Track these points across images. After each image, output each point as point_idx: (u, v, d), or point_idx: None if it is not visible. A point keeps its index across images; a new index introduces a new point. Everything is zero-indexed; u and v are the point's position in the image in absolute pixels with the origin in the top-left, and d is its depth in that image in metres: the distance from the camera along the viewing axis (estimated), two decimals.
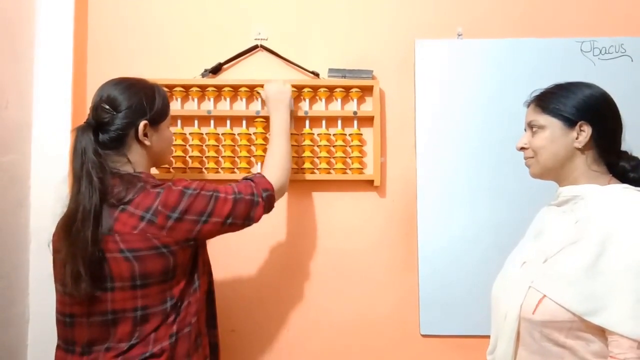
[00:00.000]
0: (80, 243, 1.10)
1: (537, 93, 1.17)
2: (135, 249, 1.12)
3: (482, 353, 1.26)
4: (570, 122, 1.09)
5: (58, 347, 1.20)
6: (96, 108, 1.20)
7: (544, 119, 1.12)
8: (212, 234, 1.23)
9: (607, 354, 0.98)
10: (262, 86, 1.65)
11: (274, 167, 1.39)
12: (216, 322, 1.33)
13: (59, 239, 1.17)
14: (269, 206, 1.31)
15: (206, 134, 1.67)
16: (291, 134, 1.64)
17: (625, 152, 1.14)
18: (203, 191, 1.20)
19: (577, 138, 1.09)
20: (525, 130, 1.18)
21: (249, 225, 1.28)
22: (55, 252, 1.19)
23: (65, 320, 1.18)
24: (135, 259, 1.12)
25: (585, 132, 1.09)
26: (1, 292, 1.46)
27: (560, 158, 1.11)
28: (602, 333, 0.98)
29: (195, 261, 1.23)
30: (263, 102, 1.67)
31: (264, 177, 1.33)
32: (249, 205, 1.25)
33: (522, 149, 1.17)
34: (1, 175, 1.47)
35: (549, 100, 1.12)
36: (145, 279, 1.14)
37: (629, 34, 1.68)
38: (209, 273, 1.32)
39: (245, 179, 1.32)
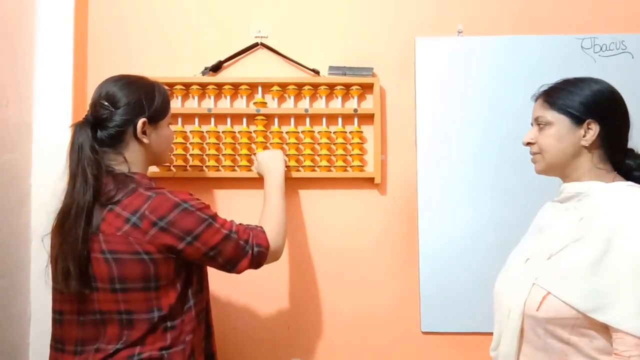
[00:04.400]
0: (71, 240, 1.10)
1: (544, 88, 1.16)
2: (116, 251, 1.10)
3: (483, 350, 1.27)
4: (578, 120, 1.09)
5: (50, 346, 1.20)
6: (95, 104, 1.19)
7: (552, 115, 1.11)
8: (192, 259, 1.17)
9: (611, 351, 0.98)
10: (262, 84, 1.65)
11: (272, 229, 1.31)
12: (212, 332, 1.30)
13: (54, 235, 1.17)
14: (257, 262, 1.24)
15: (207, 132, 1.67)
16: (289, 131, 1.65)
17: (632, 150, 1.13)
18: (199, 212, 1.16)
19: (584, 136, 1.09)
20: (531, 125, 1.17)
21: (229, 271, 1.22)
22: (51, 247, 1.19)
23: (56, 318, 1.18)
24: (115, 261, 1.10)
25: (592, 131, 1.08)
26: (2, 290, 1.46)
27: (567, 156, 1.11)
28: (606, 330, 0.99)
29: (189, 278, 1.20)
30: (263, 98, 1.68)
31: (264, 232, 1.27)
32: (238, 250, 1.20)
33: (528, 144, 1.16)
34: (2, 174, 1.47)
35: (556, 96, 1.12)
36: (124, 283, 1.11)
37: (630, 30, 1.68)
38: (207, 289, 1.28)
39: (248, 225, 1.27)
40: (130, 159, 1.20)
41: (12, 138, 1.52)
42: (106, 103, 1.18)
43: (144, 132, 1.21)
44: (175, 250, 1.13)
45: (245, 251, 1.21)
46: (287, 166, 1.60)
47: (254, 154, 1.66)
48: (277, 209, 1.40)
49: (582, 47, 1.66)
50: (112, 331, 1.13)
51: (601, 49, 1.65)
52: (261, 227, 1.28)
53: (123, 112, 1.18)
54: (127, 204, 1.12)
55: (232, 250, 1.19)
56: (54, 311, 1.19)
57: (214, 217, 1.19)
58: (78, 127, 1.17)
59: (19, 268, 1.53)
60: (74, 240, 1.10)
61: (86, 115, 1.20)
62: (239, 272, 1.23)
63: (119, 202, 1.12)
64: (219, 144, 1.67)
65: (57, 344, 1.18)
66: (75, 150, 1.14)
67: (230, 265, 1.21)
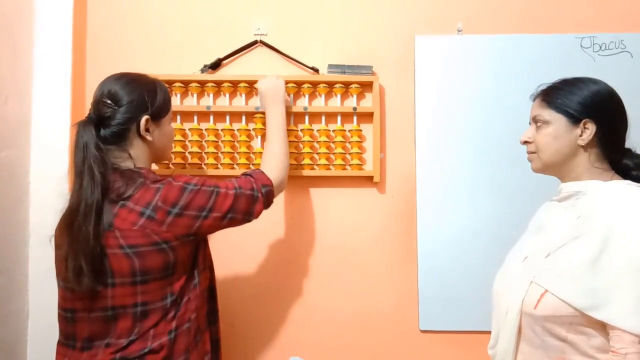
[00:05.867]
0: (82, 238, 1.10)
1: (543, 87, 1.17)
2: (135, 245, 1.12)
3: (481, 348, 1.27)
4: (575, 119, 1.09)
5: (59, 342, 1.20)
6: (97, 103, 1.20)
7: (549, 114, 1.11)
8: (212, 229, 1.22)
9: (608, 349, 0.98)
10: None
11: (272, 163, 1.38)
12: (217, 318, 1.33)
13: (60, 234, 1.17)
14: (268, 202, 1.30)
15: (205, 129, 1.67)
16: (288, 129, 1.65)
17: (629, 150, 1.13)
18: (204, 187, 1.20)
19: (580, 135, 1.09)
20: (529, 124, 1.18)
21: (248, 220, 1.27)
22: (57, 247, 1.19)
23: (67, 316, 1.18)
24: (136, 255, 1.12)
25: (589, 130, 1.08)
26: (1, 287, 1.46)
27: (563, 155, 1.11)
28: (603, 328, 0.99)
29: (196, 257, 1.23)
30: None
31: (263, 173, 1.32)
32: (249, 201, 1.25)
33: (525, 142, 1.16)
34: (0, 171, 1.46)
35: (554, 95, 1.12)
36: (145, 274, 1.14)
37: (629, 30, 1.68)
38: (211, 269, 1.32)
39: (245, 174, 1.32)
40: (135, 155, 1.22)
41: (11, 135, 1.52)
42: (109, 101, 1.19)
43: (147, 130, 1.22)
44: (194, 228, 1.17)
45: (256, 197, 1.27)
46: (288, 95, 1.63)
47: (253, 152, 1.66)
48: (277, 149, 1.44)
49: (581, 46, 1.66)
50: (123, 325, 1.15)
51: (600, 48, 1.65)
52: (258, 170, 1.34)
53: (126, 110, 1.19)
54: (138, 198, 1.14)
55: (245, 203, 1.25)
56: (64, 309, 1.19)
57: (217, 184, 1.23)
58: (81, 126, 1.17)
59: (17, 265, 1.53)
60: (85, 237, 1.10)
61: (89, 114, 1.20)
62: (256, 217, 1.29)
63: (130, 197, 1.14)
64: (217, 141, 1.67)
65: (69, 340, 1.18)
66: (80, 149, 1.15)
67: (248, 215, 1.27)
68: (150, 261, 1.13)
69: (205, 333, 1.25)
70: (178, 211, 1.15)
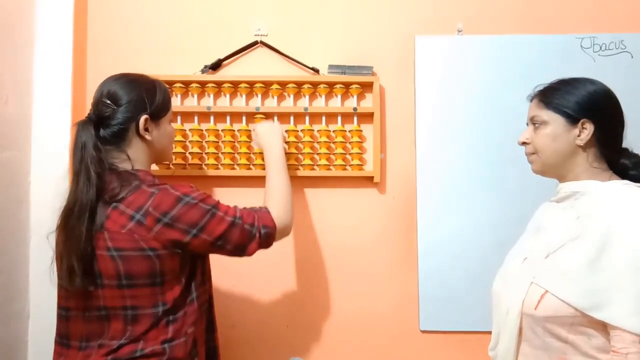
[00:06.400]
0: (75, 238, 1.11)
1: (540, 88, 1.17)
2: (121, 249, 1.12)
3: (482, 349, 1.27)
4: (573, 119, 1.09)
5: (55, 341, 1.21)
6: (97, 103, 1.20)
7: (547, 115, 1.12)
8: (201, 251, 1.19)
9: (609, 349, 0.98)
10: (261, 82, 1.65)
11: (277, 206, 1.31)
12: (215, 326, 1.32)
13: (59, 233, 1.18)
14: (266, 244, 1.25)
15: (206, 130, 1.67)
16: (289, 130, 1.65)
17: (627, 149, 1.14)
18: (202, 203, 1.16)
19: (579, 135, 1.09)
20: (527, 124, 1.18)
21: (239, 256, 1.22)
22: (56, 245, 1.19)
23: (62, 314, 1.19)
24: (121, 258, 1.12)
25: (587, 130, 1.09)
26: (1, 287, 1.46)
27: (562, 155, 1.11)
28: (604, 328, 0.99)
29: (194, 271, 1.21)
30: (263, 97, 1.68)
31: (269, 213, 1.26)
32: (244, 235, 1.20)
33: (523, 143, 1.17)
34: (1, 172, 1.46)
35: (552, 96, 1.12)
36: (130, 279, 1.12)
37: (629, 30, 1.68)
38: (209, 280, 1.30)
39: (252, 208, 1.27)
40: (133, 156, 1.21)
41: (11, 135, 1.52)
42: (108, 101, 1.19)
43: (146, 129, 1.22)
44: (182, 244, 1.14)
45: (253, 234, 1.21)
46: (286, 142, 1.61)
47: (253, 153, 1.66)
48: (279, 184, 1.39)
49: (581, 46, 1.66)
50: (115, 327, 1.14)
51: (600, 48, 1.65)
52: (266, 208, 1.28)
53: (125, 109, 1.19)
54: (131, 201, 1.13)
55: (239, 236, 1.19)
56: (60, 307, 1.20)
57: (217, 205, 1.19)
58: (81, 126, 1.17)
59: (18, 265, 1.53)
60: (78, 237, 1.11)
61: (89, 114, 1.21)
62: (249, 255, 1.23)
63: (123, 200, 1.13)
64: (218, 142, 1.67)
65: (63, 339, 1.19)
66: (79, 149, 1.15)
67: (240, 251, 1.21)
68: (135, 266, 1.12)
69: (202, 347, 1.24)
70: (168, 221, 1.12)
